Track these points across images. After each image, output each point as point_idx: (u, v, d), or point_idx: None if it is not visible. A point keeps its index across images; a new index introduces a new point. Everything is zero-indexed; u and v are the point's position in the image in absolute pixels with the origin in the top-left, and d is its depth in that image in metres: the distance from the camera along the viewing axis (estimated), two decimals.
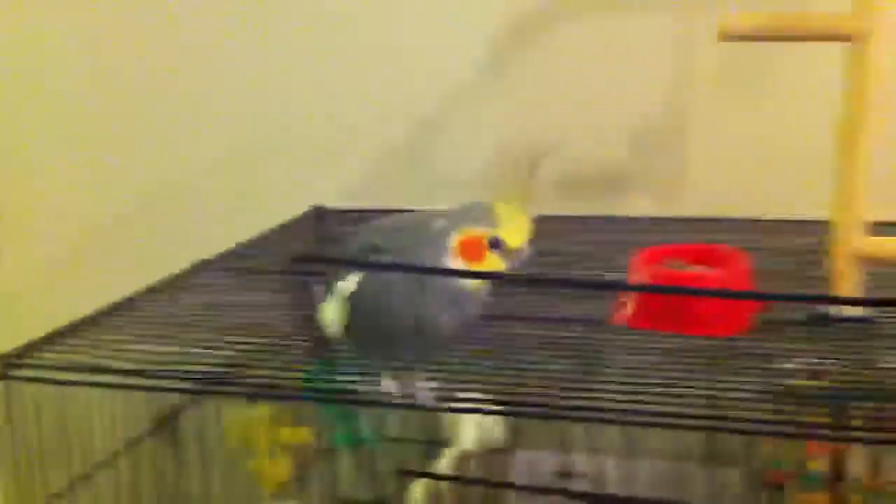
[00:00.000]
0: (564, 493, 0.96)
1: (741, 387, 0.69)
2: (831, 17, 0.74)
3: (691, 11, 1.02)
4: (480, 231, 0.65)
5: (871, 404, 0.72)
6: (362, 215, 1.06)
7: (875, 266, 0.77)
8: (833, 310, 0.77)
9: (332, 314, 0.68)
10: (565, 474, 1.00)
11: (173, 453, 0.93)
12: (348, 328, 0.67)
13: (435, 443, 1.00)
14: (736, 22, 0.74)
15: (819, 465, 0.96)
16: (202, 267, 0.94)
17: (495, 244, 0.65)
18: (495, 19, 1.09)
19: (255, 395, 0.78)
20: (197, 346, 0.75)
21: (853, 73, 0.73)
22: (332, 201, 1.12)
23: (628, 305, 0.76)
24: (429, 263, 0.64)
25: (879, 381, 0.73)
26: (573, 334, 0.78)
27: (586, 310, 0.78)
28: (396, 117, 1.14)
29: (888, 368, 0.73)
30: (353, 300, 0.66)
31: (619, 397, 0.67)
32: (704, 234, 0.92)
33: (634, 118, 1.06)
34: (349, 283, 0.66)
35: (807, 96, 1.00)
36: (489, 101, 1.11)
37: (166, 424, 0.93)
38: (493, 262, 0.65)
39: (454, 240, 0.65)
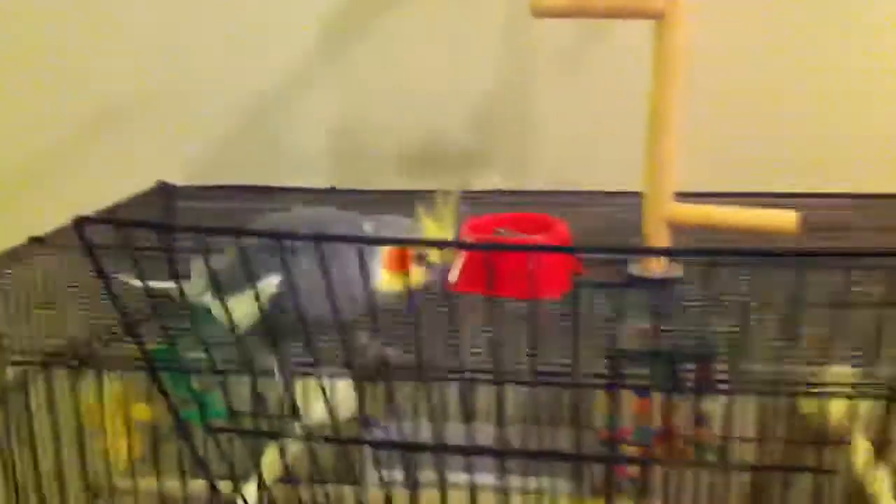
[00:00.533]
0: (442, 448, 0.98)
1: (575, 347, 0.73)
2: None
3: None
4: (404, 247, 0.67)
5: (693, 361, 0.79)
6: (207, 191, 1.09)
7: (684, 231, 0.83)
8: (644, 272, 0.83)
9: (242, 306, 0.66)
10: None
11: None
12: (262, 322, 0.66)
13: (289, 417, 1.02)
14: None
15: (651, 420, 1.03)
16: (37, 243, 0.93)
17: (420, 258, 0.68)
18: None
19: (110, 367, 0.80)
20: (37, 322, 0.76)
21: (660, 50, 0.79)
22: (178, 178, 1.12)
23: (455, 270, 0.80)
24: (354, 267, 0.62)
25: (700, 338, 0.79)
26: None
27: None
28: (241, 95, 1.15)
29: (705, 327, 0.80)
30: (276, 299, 0.67)
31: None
32: (544, 207, 0.97)
33: (474, 95, 1.10)
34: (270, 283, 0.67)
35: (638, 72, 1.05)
36: (330, 79, 1.12)
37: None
38: (417, 275, 0.68)
39: (383, 249, 0.68)
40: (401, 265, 0.68)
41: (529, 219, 0.85)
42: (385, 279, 0.69)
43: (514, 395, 1.04)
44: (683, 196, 0.86)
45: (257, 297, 0.63)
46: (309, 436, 0.85)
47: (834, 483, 0.92)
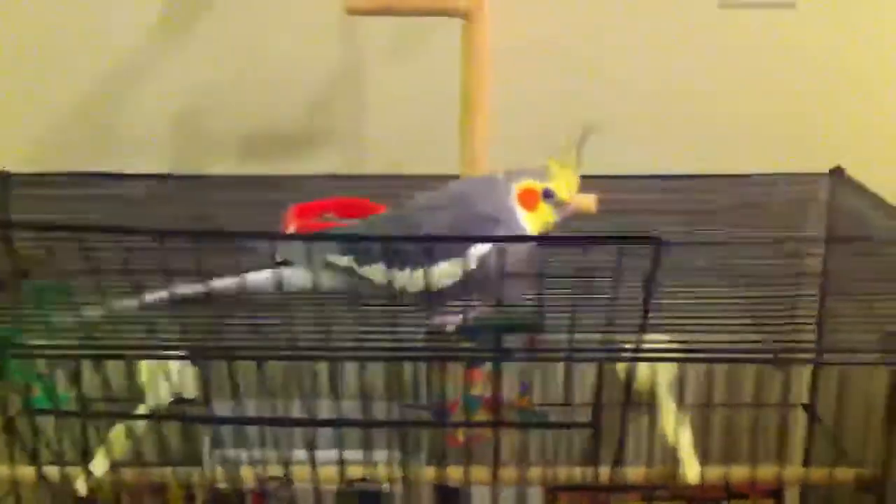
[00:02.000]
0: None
1: (406, 323, 0.79)
2: None
3: None
4: (535, 183, 0.77)
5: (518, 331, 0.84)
6: (47, 179, 1.08)
7: None
8: None
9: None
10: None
11: None
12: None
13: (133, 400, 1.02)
14: None
15: (479, 389, 1.09)
16: None
17: (548, 194, 0.78)
18: None
19: None
20: None
21: (468, 45, 0.84)
22: (16, 166, 1.11)
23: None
24: (493, 209, 0.77)
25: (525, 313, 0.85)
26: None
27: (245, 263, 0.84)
28: (77, 80, 1.14)
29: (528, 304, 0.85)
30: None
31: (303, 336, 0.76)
32: (376, 189, 1.01)
33: (311, 81, 1.12)
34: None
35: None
36: (168, 63, 1.13)
37: None
38: (546, 211, 0.79)
39: (515, 188, 0.77)
40: (531, 203, 0.78)
41: (354, 204, 0.89)
42: (526, 218, 0.78)
43: (349, 371, 1.09)
44: None
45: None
46: (151, 415, 0.87)
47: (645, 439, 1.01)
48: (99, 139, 1.15)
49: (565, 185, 0.78)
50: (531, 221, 0.79)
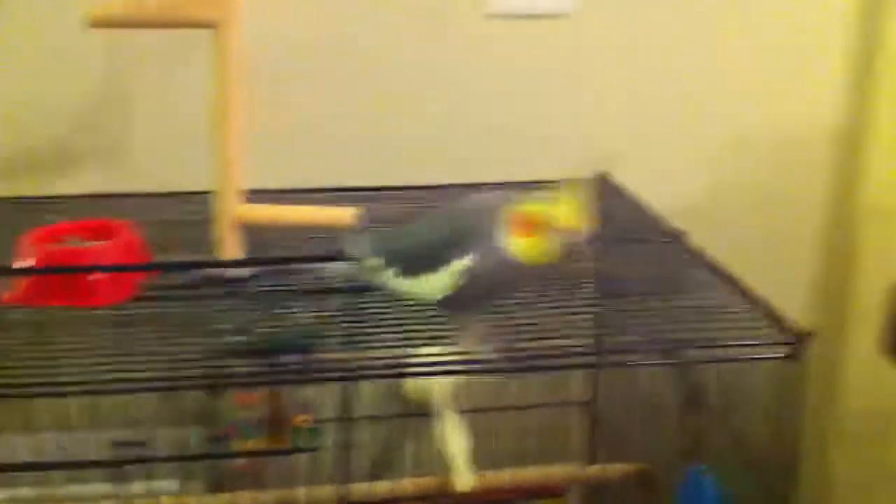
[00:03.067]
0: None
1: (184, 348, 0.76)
2: (191, 7, 0.81)
3: None
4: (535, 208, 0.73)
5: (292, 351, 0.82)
6: None
7: (254, 228, 0.86)
8: (222, 272, 0.86)
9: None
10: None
11: None
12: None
13: None
14: (104, 11, 0.79)
15: (256, 412, 1.06)
16: None
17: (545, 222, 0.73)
18: None
19: None
20: None
21: (217, 57, 0.81)
22: None
23: (17, 284, 0.78)
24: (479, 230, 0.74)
25: (293, 331, 0.82)
26: None
27: None
28: None
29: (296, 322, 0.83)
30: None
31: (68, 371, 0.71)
32: (133, 208, 0.96)
33: (69, 96, 1.05)
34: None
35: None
36: None
37: None
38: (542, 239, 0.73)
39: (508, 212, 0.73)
40: (527, 232, 0.73)
41: (97, 226, 0.84)
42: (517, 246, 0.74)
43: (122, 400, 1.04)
44: (260, 193, 0.89)
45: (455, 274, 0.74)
46: None
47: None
48: None
49: (565, 213, 0.73)
50: (520, 246, 0.74)
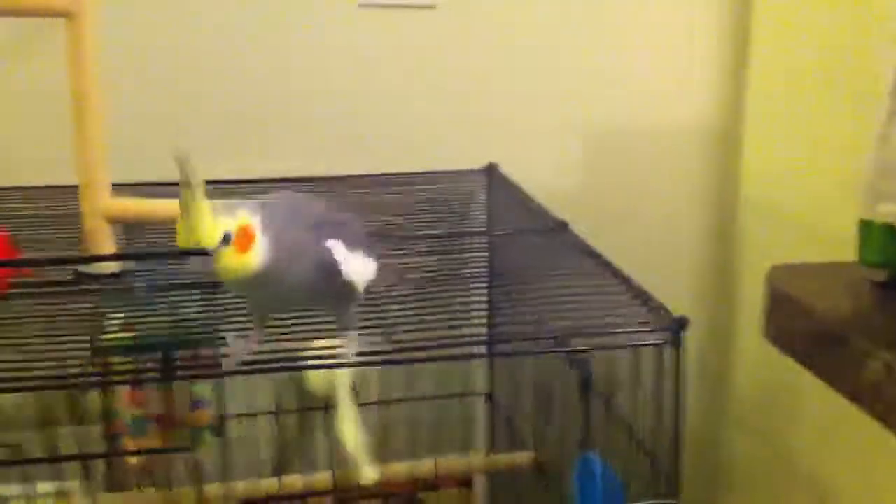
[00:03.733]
0: None
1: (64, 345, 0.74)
2: None
3: None
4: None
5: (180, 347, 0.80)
6: None
7: (124, 223, 0.84)
8: (94, 268, 0.83)
9: None
10: None
11: None
12: None
13: None
14: None
15: (146, 410, 1.03)
16: None
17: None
18: None
19: None
20: None
21: (72, 47, 0.79)
22: None
23: None
24: None
25: (184, 328, 0.80)
26: None
27: None
28: None
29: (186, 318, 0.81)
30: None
31: None
32: None
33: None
34: None
35: None
36: None
37: None
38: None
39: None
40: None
41: None
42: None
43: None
44: (132, 186, 0.87)
45: None
46: None
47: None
48: None
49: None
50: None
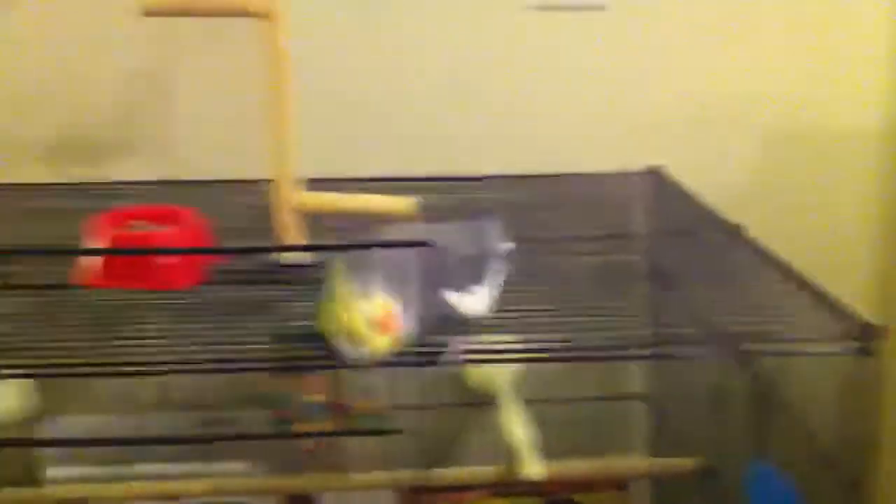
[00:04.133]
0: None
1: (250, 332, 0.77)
2: None
3: None
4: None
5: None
6: None
7: (314, 215, 0.87)
8: (283, 258, 0.87)
9: None
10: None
11: None
12: None
13: None
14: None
15: (320, 396, 1.07)
16: None
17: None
18: None
19: None
20: None
21: (270, 47, 0.82)
22: None
23: (90, 266, 0.80)
24: None
25: None
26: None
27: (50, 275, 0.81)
28: None
29: None
30: None
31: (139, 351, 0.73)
32: (187, 195, 0.97)
33: (118, 86, 1.07)
34: None
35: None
36: None
37: None
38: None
39: None
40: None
41: (165, 212, 0.85)
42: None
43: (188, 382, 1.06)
44: (319, 182, 0.90)
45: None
46: None
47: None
48: None
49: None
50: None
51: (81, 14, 1.05)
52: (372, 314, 0.71)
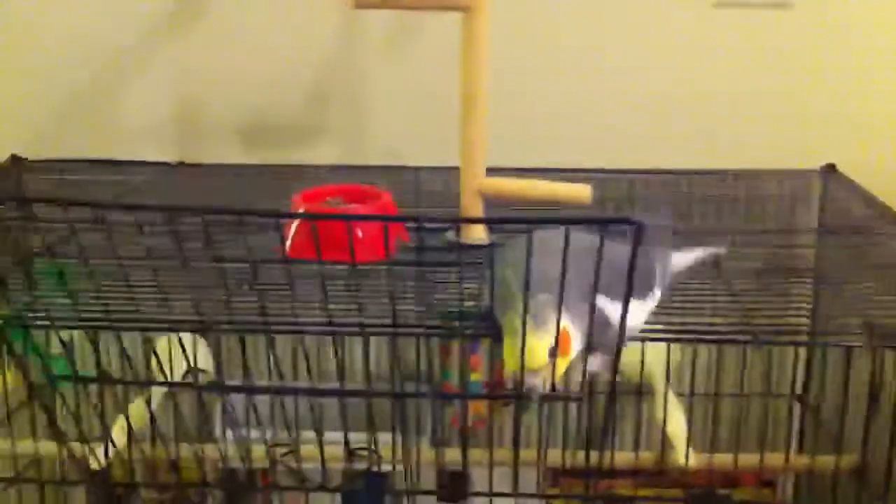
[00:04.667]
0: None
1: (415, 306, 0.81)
2: None
3: None
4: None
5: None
6: (58, 165, 1.11)
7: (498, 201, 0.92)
8: (466, 239, 0.92)
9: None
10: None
11: None
12: None
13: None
14: None
15: (479, 375, 1.12)
16: None
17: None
18: None
19: None
20: None
21: (467, 40, 0.87)
22: (25, 151, 1.15)
23: (290, 237, 0.86)
24: None
25: None
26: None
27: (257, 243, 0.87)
28: (85, 70, 1.16)
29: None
30: None
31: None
32: (377, 180, 1.04)
33: (309, 75, 1.15)
34: None
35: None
36: (172, 56, 1.15)
37: None
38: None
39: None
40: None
41: (358, 190, 0.92)
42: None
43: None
44: (497, 171, 0.94)
45: None
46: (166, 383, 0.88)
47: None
48: (104, 127, 1.18)
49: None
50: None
51: (279, 3, 1.13)
52: (551, 343, 0.69)
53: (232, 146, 1.17)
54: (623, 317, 0.71)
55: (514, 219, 0.85)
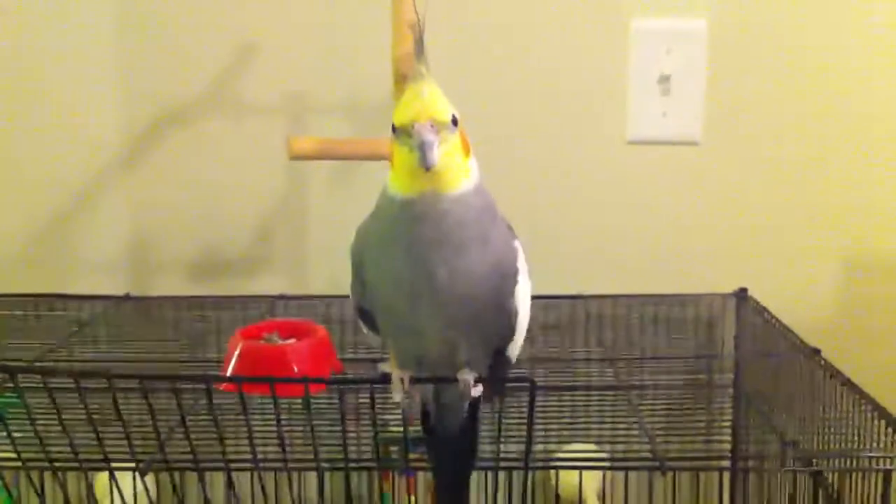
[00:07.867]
0: None
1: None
2: (376, 143, 0.90)
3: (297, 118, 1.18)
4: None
5: None
6: (8, 300, 1.14)
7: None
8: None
9: None
10: None
11: None
12: None
13: None
14: (301, 144, 0.92)
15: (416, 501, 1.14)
16: None
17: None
18: (127, 113, 1.19)
19: None
20: None
21: None
22: None
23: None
24: None
25: None
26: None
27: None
28: (37, 205, 1.21)
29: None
30: None
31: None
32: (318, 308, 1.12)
33: (256, 208, 1.20)
34: None
35: None
36: (124, 190, 1.20)
37: None
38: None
39: None
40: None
41: (294, 326, 0.97)
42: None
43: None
44: None
45: None
46: None
47: None
48: (57, 262, 1.21)
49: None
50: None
51: (224, 146, 1.19)
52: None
53: (181, 278, 1.21)
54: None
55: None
